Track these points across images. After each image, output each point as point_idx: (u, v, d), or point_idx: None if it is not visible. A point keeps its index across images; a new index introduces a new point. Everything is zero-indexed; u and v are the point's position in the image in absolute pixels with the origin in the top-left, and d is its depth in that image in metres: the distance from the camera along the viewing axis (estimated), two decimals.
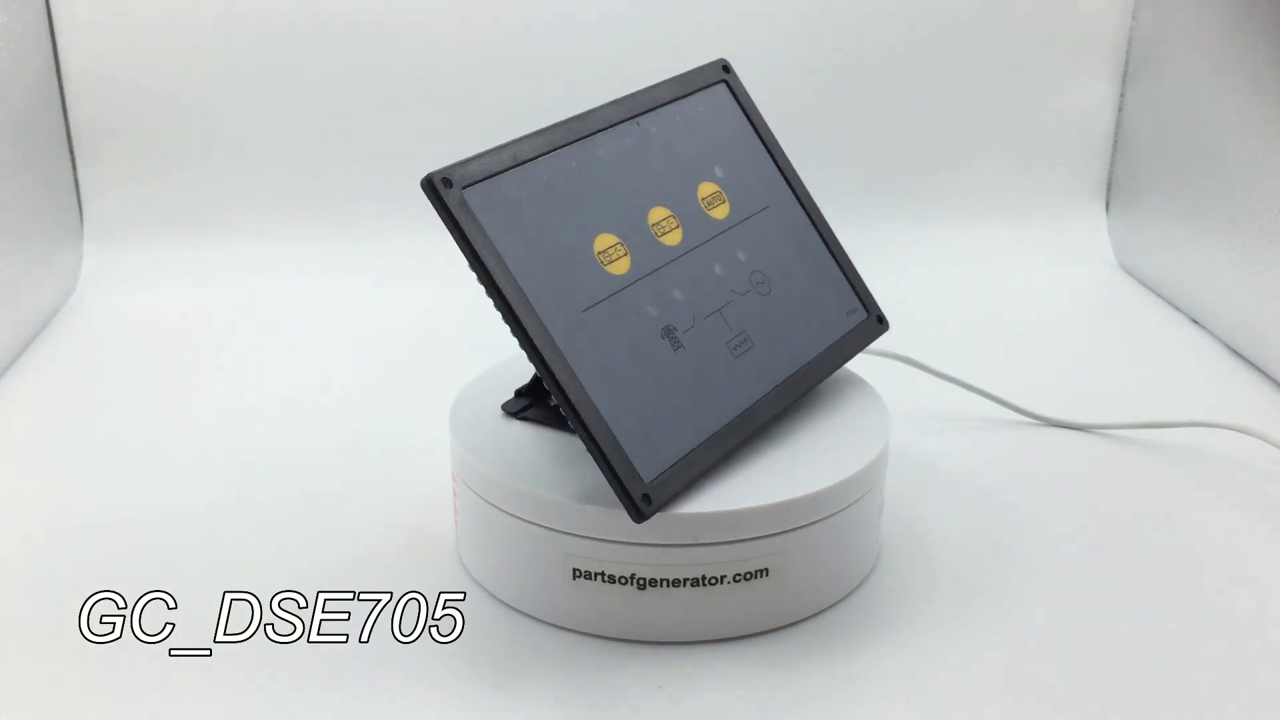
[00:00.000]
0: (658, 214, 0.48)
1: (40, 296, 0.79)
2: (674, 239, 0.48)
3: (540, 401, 0.51)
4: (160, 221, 0.87)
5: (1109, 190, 0.94)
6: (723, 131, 0.52)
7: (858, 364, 0.61)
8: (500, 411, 0.51)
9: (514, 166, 0.45)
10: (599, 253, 0.45)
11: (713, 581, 0.45)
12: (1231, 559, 0.52)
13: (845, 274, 0.54)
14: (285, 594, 0.48)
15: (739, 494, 0.44)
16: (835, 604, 0.48)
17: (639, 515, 0.42)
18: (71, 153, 0.85)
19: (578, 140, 0.47)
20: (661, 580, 0.44)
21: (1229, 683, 0.44)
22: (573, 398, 0.42)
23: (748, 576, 0.45)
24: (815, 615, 0.47)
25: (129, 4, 0.83)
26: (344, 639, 0.46)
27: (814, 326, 0.51)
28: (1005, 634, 0.47)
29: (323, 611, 0.48)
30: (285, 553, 0.52)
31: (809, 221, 0.54)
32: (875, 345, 0.68)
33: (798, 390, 0.49)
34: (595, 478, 0.45)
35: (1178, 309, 0.82)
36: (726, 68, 0.53)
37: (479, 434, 0.49)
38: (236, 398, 0.68)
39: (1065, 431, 0.64)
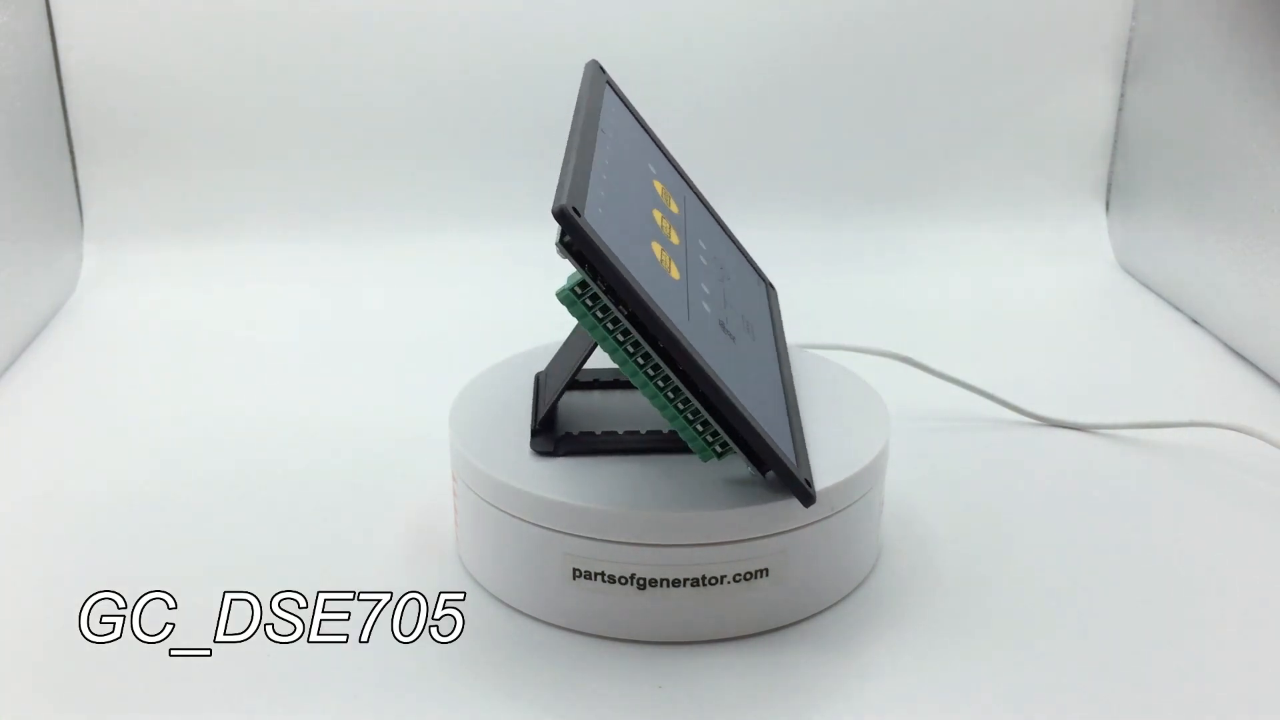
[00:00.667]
0: (658, 217, 0.47)
1: (40, 296, 0.79)
2: (676, 238, 0.47)
3: (575, 435, 0.48)
4: (160, 221, 0.87)
5: (1109, 190, 0.94)
6: (630, 130, 0.51)
7: (858, 364, 0.61)
8: (531, 452, 0.47)
9: (591, 181, 0.41)
10: (659, 259, 0.43)
11: (713, 581, 0.45)
12: (1231, 559, 0.52)
13: (740, 248, 0.55)
14: (285, 594, 0.48)
15: (739, 494, 0.44)
16: (835, 604, 0.48)
17: (811, 499, 0.43)
18: (71, 153, 0.85)
19: (591, 155, 0.43)
20: (661, 580, 0.44)
21: (1229, 683, 0.44)
22: (734, 412, 0.41)
23: (748, 576, 0.45)
24: (815, 615, 0.47)
25: (129, 4, 0.83)
26: (344, 639, 0.46)
27: (762, 305, 0.53)
28: (1005, 634, 0.47)
29: (323, 611, 0.48)
30: (285, 552, 0.52)
31: (700, 202, 0.54)
32: (875, 345, 0.68)
33: (787, 367, 0.51)
34: (595, 478, 0.45)
35: (1178, 309, 0.82)
36: (601, 68, 0.53)
37: (479, 434, 0.49)
38: (236, 398, 0.68)
39: (1065, 431, 0.64)
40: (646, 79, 0.86)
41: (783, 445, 0.43)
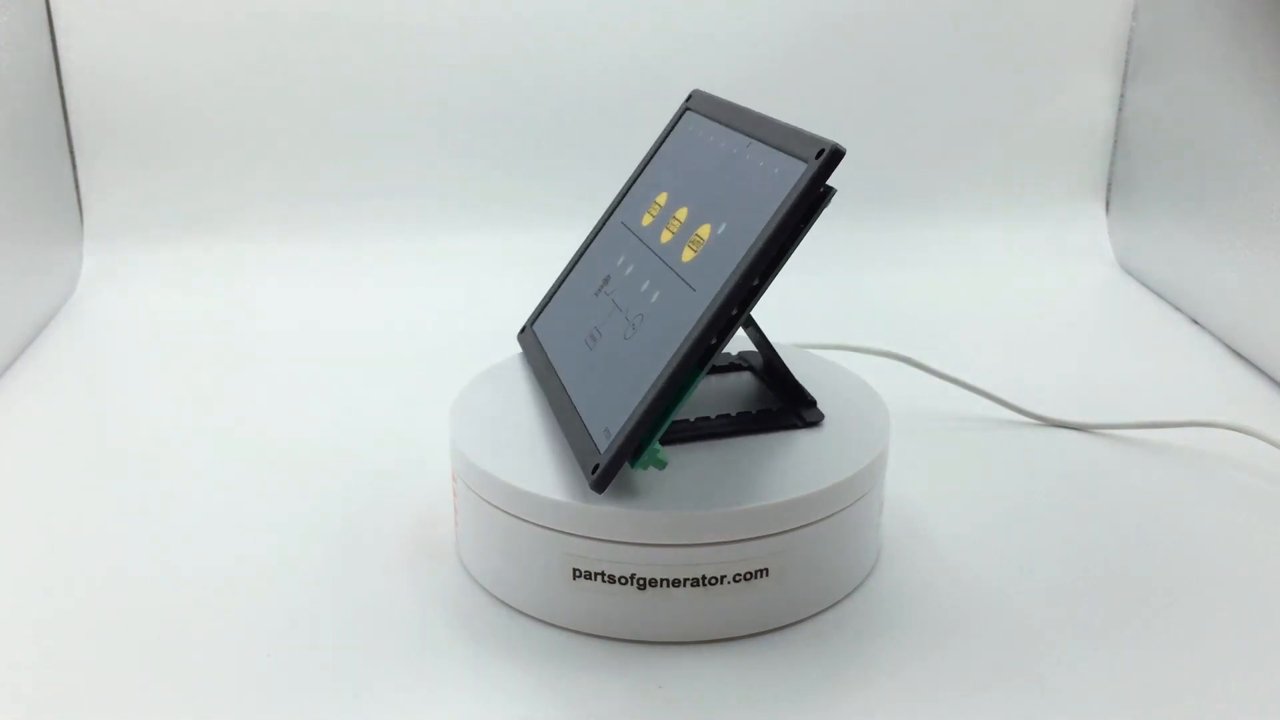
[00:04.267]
0: (681, 214, 0.50)
1: (40, 296, 0.79)
2: (666, 237, 0.50)
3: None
4: (160, 221, 0.87)
5: (1109, 190, 0.94)
6: (756, 200, 0.45)
7: (858, 364, 0.61)
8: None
9: (710, 118, 0.54)
10: (654, 201, 0.54)
11: (713, 581, 0.45)
12: (1232, 559, 0.52)
13: (634, 410, 0.43)
14: (285, 594, 0.48)
15: (739, 494, 0.44)
16: (835, 604, 0.48)
17: (519, 335, 0.57)
18: (71, 153, 0.85)
19: (718, 122, 0.53)
20: (661, 580, 0.44)
21: (1229, 682, 0.44)
22: (578, 251, 0.57)
23: (748, 576, 0.45)
24: (815, 615, 0.47)
25: (129, 4, 0.83)
26: (344, 639, 0.46)
27: (597, 396, 0.47)
28: (1005, 634, 0.47)
29: (323, 611, 0.48)
30: (285, 552, 0.52)
31: (680, 341, 0.44)
32: (875, 345, 0.68)
33: (556, 408, 0.49)
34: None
35: (1178, 309, 0.82)
36: (823, 152, 0.42)
37: (479, 434, 0.49)
38: (236, 398, 0.68)
39: (1065, 431, 0.64)
40: (646, 80, 0.87)
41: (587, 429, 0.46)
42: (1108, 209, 0.94)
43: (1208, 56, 0.79)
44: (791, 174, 0.43)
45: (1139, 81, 0.89)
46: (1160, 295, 0.85)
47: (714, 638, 0.46)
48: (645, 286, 0.49)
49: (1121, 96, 0.91)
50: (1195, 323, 0.80)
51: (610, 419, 0.45)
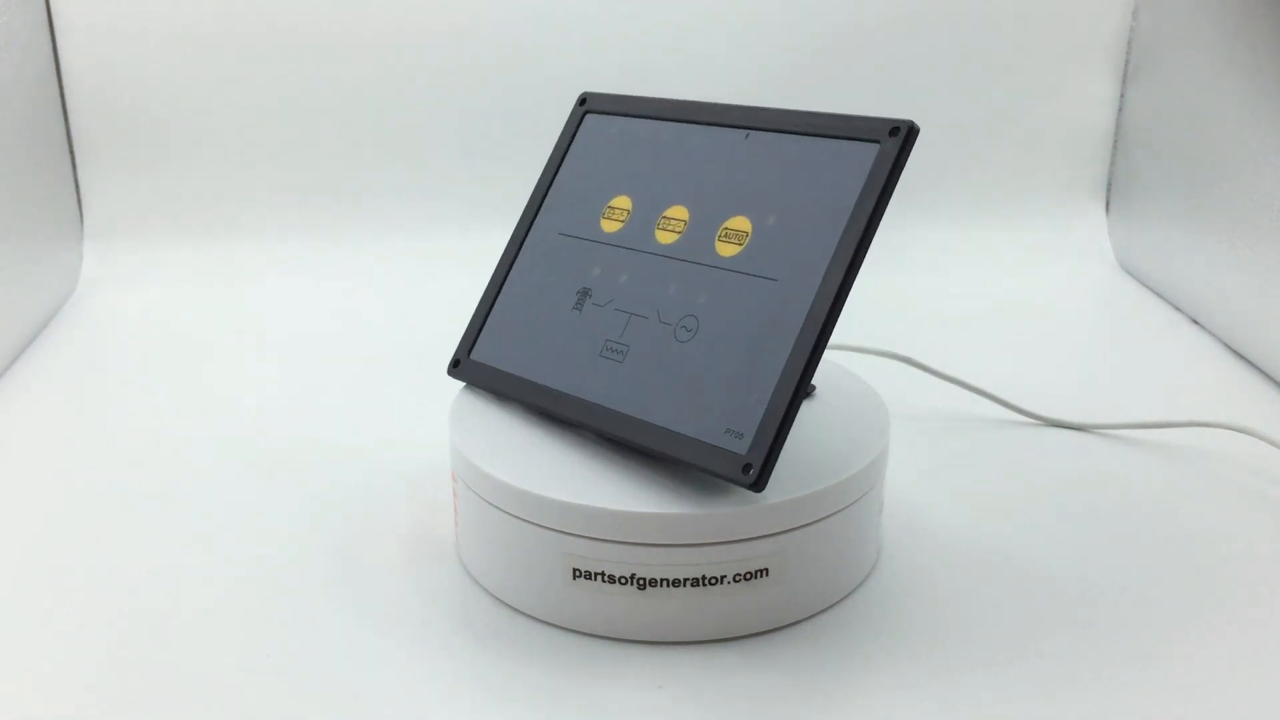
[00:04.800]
0: (675, 212, 0.49)
1: (40, 296, 0.79)
2: (667, 238, 0.49)
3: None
4: (160, 221, 0.87)
5: (1109, 190, 0.94)
6: (817, 188, 0.46)
7: (858, 364, 0.61)
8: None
9: (635, 116, 0.53)
10: (610, 205, 0.52)
11: (713, 581, 0.45)
12: (1231, 559, 0.52)
13: (771, 404, 0.43)
14: (285, 594, 0.48)
15: (739, 494, 0.44)
16: (835, 604, 0.48)
17: (451, 367, 0.53)
18: (71, 153, 0.85)
19: (694, 122, 0.51)
20: (661, 580, 0.44)
21: (1229, 682, 0.44)
22: (497, 268, 0.55)
23: (748, 576, 0.45)
24: (815, 615, 0.47)
25: (129, 4, 0.83)
26: (344, 639, 0.46)
27: (677, 403, 0.45)
28: (1005, 634, 0.47)
29: (323, 611, 0.48)
30: (285, 552, 0.52)
31: (796, 332, 0.44)
32: (875, 345, 0.68)
33: (605, 427, 0.47)
34: (595, 478, 0.45)
35: (1178, 309, 0.82)
36: (896, 130, 0.44)
37: (479, 434, 0.49)
38: (236, 398, 0.68)
39: (1065, 431, 0.64)
40: (644, 83, 0.86)
41: (493, 344, 0.52)
42: (1108, 209, 0.94)
43: (1208, 56, 0.79)
44: (864, 155, 0.45)
45: (1139, 81, 0.89)
46: (1160, 295, 0.85)
47: (714, 638, 0.46)
48: (674, 290, 0.47)
49: (1121, 96, 0.91)
50: (1195, 323, 0.80)
51: (729, 420, 0.43)
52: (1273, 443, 0.60)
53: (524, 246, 0.54)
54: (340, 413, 0.66)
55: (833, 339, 0.71)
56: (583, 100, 0.56)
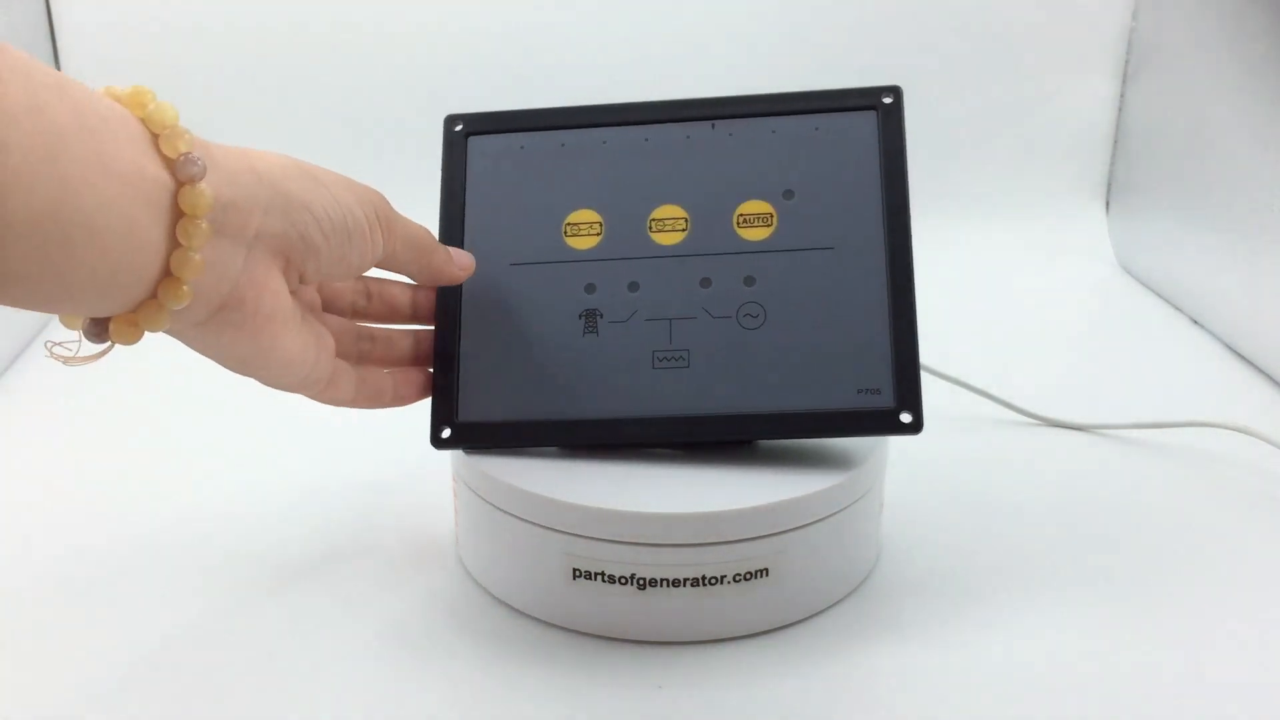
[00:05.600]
0: (667, 211, 0.49)
1: None
2: (670, 239, 0.48)
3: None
4: None
5: (1109, 190, 0.94)
6: (832, 156, 0.48)
7: None
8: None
9: (533, 129, 0.50)
10: (570, 223, 0.49)
11: (713, 581, 0.45)
12: (1231, 559, 0.52)
13: (894, 353, 0.46)
14: (285, 594, 0.48)
15: (739, 494, 0.44)
16: (835, 604, 0.48)
17: (435, 441, 0.47)
18: None
19: (628, 124, 0.50)
20: (661, 580, 0.44)
21: (1229, 682, 0.44)
22: (441, 323, 0.48)
23: (748, 576, 0.45)
24: (815, 615, 0.47)
25: (129, 4, 0.83)
26: (344, 639, 0.46)
27: (795, 382, 0.46)
28: (1005, 634, 0.46)
29: (324, 612, 0.47)
30: (285, 552, 0.52)
31: (881, 282, 0.47)
32: None
33: (721, 433, 0.46)
34: (595, 478, 0.45)
35: (1178, 309, 0.82)
36: (890, 93, 0.49)
37: None
38: (236, 397, 0.68)
39: (1065, 431, 0.64)
40: (642, 82, 0.86)
41: (480, 398, 0.48)
42: (1108, 209, 0.94)
43: (1208, 56, 0.79)
44: (866, 121, 0.48)
45: (1139, 81, 0.89)
46: (1160, 295, 0.85)
47: (714, 638, 0.46)
48: (715, 287, 0.47)
49: (1121, 96, 0.91)
50: (1195, 323, 0.80)
51: (858, 379, 0.45)
52: (1273, 443, 0.60)
53: (464, 288, 0.49)
54: (340, 412, 0.66)
55: None
56: (454, 123, 0.51)
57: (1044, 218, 0.93)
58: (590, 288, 0.48)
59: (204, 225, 0.35)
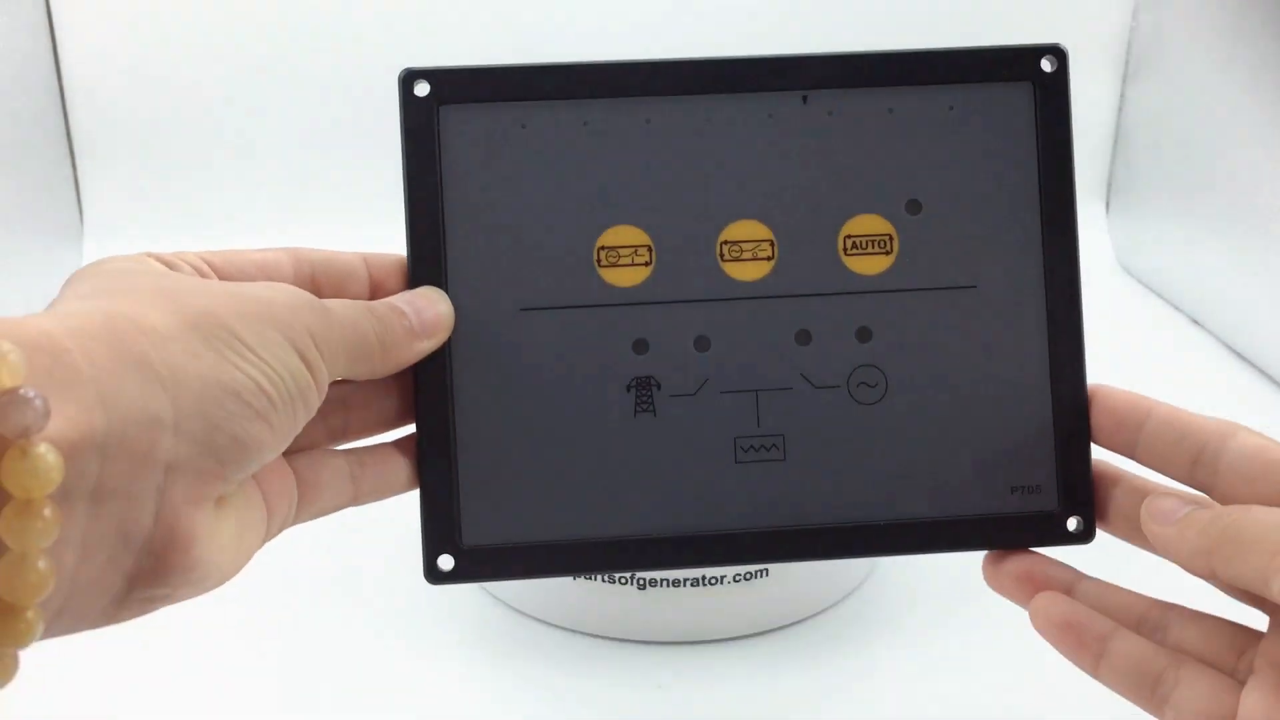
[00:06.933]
0: (744, 230, 0.35)
1: (40, 296, 0.79)
2: (750, 271, 0.35)
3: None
4: (160, 221, 0.87)
5: (1109, 190, 0.94)
6: (972, 149, 0.35)
7: None
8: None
9: (540, 98, 0.34)
10: (604, 247, 0.35)
11: (713, 581, 0.45)
12: None
13: (1057, 434, 0.35)
14: (288, 596, 0.48)
15: None
16: (835, 604, 0.48)
17: (429, 574, 0.35)
18: (71, 153, 0.85)
19: (681, 93, 0.35)
20: (661, 580, 0.44)
21: None
22: (424, 402, 0.34)
23: (748, 576, 0.45)
24: (815, 615, 0.47)
25: (129, 4, 0.83)
26: (345, 639, 0.46)
27: (927, 478, 0.35)
28: (1005, 634, 0.46)
29: (323, 612, 0.47)
30: (285, 552, 0.52)
31: (1041, 334, 0.35)
32: None
33: (829, 551, 0.35)
34: None
35: (1178, 309, 0.82)
36: (1051, 54, 0.36)
37: None
38: None
39: None
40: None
41: (490, 513, 0.35)
42: (1108, 209, 0.94)
43: (1208, 56, 0.79)
44: (1016, 101, 0.35)
45: (1139, 81, 0.89)
46: (1160, 295, 0.85)
47: (714, 638, 0.46)
48: (816, 343, 0.35)
49: (1121, 96, 0.91)
50: (1195, 323, 0.80)
51: (1010, 475, 0.35)
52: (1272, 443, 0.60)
53: (454, 349, 0.34)
54: None
55: None
56: (415, 82, 0.35)
57: None
58: (640, 345, 0.35)
59: (47, 515, 0.22)
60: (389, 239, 0.94)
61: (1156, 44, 0.86)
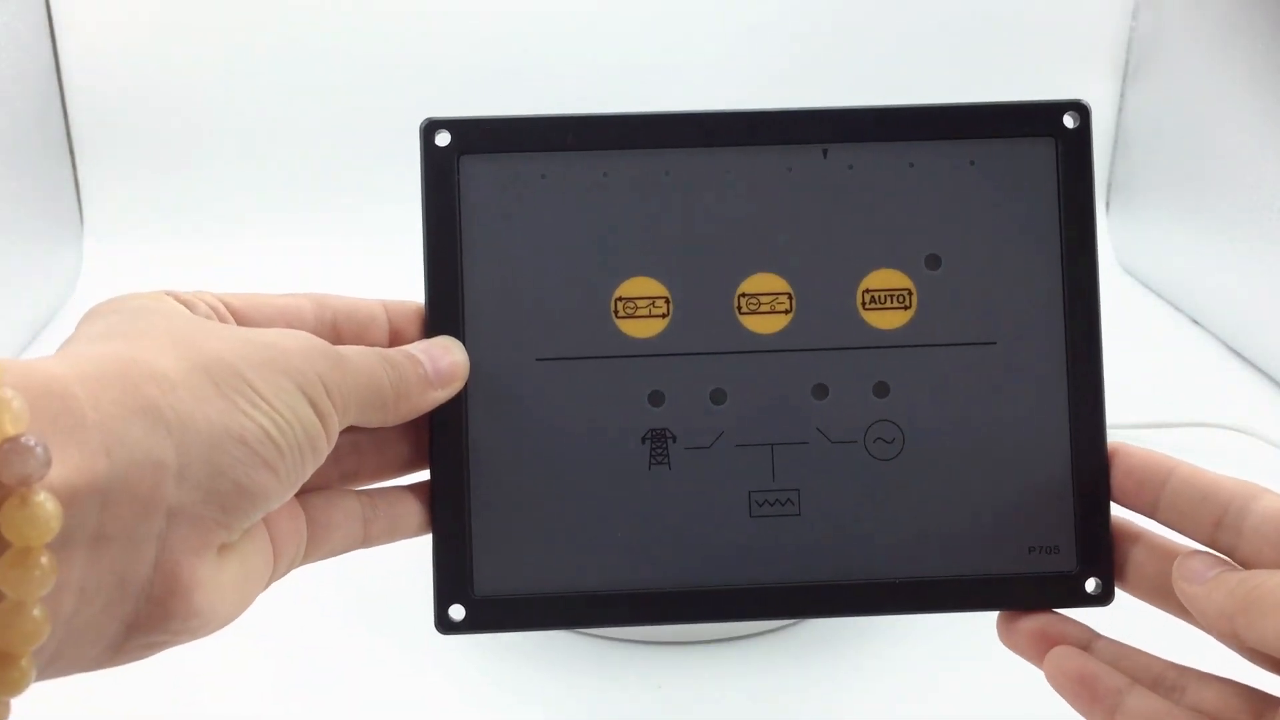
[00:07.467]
0: (763, 283, 0.36)
1: (40, 296, 0.79)
2: (768, 324, 0.35)
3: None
4: (160, 220, 0.87)
5: (1109, 190, 0.94)
6: (993, 205, 0.36)
7: None
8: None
9: (559, 149, 0.35)
10: (621, 298, 0.35)
11: None
12: None
13: (1077, 494, 0.36)
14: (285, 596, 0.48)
15: None
16: None
17: (441, 624, 0.35)
18: (71, 153, 0.85)
19: (700, 145, 0.35)
20: None
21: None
22: (438, 451, 0.34)
23: None
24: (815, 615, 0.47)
25: (129, 4, 0.83)
26: (346, 640, 0.46)
27: (943, 537, 0.35)
28: None
29: (324, 613, 0.47)
30: None
31: (1061, 392, 0.36)
32: None
33: (842, 608, 0.36)
34: None
35: (1178, 309, 0.82)
36: (1074, 110, 0.38)
37: None
38: None
39: None
40: (641, 84, 0.86)
41: (502, 564, 0.35)
42: (1108, 209, 0.94)
43: (1208, 56, 0.79)
44: (1039, 156, 0.36)
45: (1139, 81, 0.89)
46: (1160, 295, 0.85)
47: (713, 638, 0.46)
48: (833, 397, 0.35)
49: (1121, 96, 0.91)
50: (1195, 323, 0.80)
51: (1029, 535, 0.35)
52: (1272, 443, 0.60)
53: (470, 398, 0.35)
54: None
55: None
56: (437, 132, 0.36)
57: None
58: (656, 397, 0.35)
59: (44, 564, 0.22)
60: (389, 239, 0.94)
61: (1156, 44, 0.86)
